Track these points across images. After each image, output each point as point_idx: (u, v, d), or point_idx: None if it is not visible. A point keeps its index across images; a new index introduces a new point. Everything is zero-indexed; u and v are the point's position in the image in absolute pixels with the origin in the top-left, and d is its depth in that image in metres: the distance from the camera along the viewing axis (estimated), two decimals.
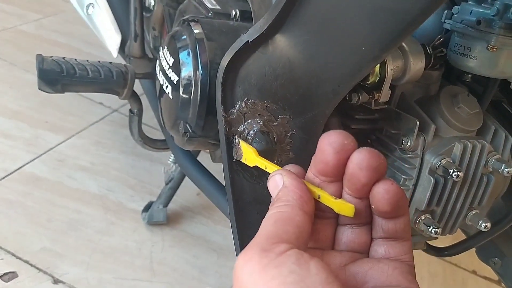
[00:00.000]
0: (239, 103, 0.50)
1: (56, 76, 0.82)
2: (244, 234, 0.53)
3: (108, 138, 1.55)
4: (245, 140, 0.50)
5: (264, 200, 0.52)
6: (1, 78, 1.74)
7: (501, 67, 0.55)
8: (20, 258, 1.09)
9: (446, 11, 0.59)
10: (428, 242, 0.72)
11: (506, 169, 0.58)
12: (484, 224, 0.61)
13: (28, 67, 1.81)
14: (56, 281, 1.06)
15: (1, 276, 1.04)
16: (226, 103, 0.50)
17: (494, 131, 0.62)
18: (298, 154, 0.51)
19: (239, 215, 0.52)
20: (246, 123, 0.50)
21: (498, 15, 0.52)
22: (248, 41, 0.47)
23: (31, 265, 1.08)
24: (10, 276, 1.05)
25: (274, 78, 0.48)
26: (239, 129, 0.50)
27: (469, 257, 1.42)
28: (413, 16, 0.38)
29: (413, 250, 1.31)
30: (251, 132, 0.49)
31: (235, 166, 0.51)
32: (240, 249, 0.53)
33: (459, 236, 0.75)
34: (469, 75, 0.63)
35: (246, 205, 0.52)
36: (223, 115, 0.50)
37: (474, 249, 0.78)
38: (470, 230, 0.73)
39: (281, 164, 0.52)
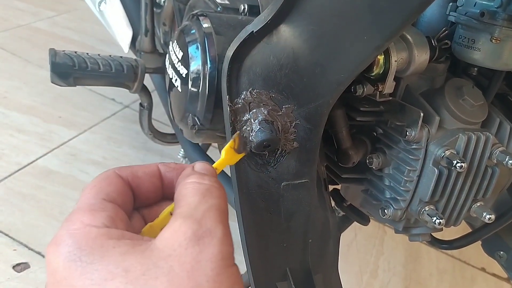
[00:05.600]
0: (244, 92, 0.51)
1: (68, 70, 0.84)
2: (249, 222, 0.54)
3: (120, 133, 1.57)
4: (250, 129, 0.51)
5: (268, 188, 0.53)
6: (15, 74, 1.77)
7: (505, 59, 0.55)
8: (32, 250, 1.11)
9: (451, 4, 0.59)
10: (433, 235, 0.73)
11: (511, 161, 0.58)
12: (488, 216, 0.61)
13: (42, 63, 1.84)
14: None
15: (14, 266, 1.07)
16: (231, 93, 0.51)
17: (499, 124, 0.62)
18: (302, 144, 0.52)
19: (244, 203, 0.53)
20: (251, 112, 0.51)
21: (502, 7, 0.53)
22: (253, 31, 0.48)
23: (43, 256, 1.10)
24: (22, 266, 1.07)
25: (279, 68, 0.49)
26: (244, 118, 0.51)
27: (479, 254, 1.41)
28: (412, 6, 0.39)
29: (421, 245, 1.30)
30: (256, 121, 0.50)
31: None
32: (245, 238, 0.54)
33: (466, 230, 0.75)
34: (475, 68, 0.64)
35: (251, 193, 0.53)
36: (228, 105, 0.51)
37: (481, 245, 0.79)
38: (476, 223, 0.73)
39: (285, 153, 0.53)
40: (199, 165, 0.42)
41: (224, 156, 0.47)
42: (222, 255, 0.35)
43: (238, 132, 0.50)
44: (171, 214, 0.40)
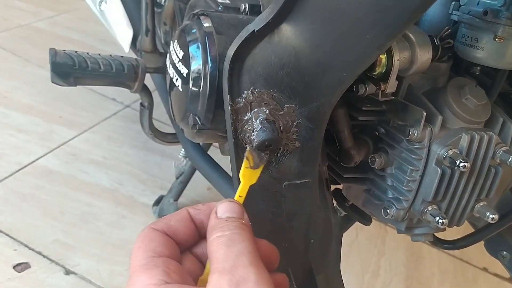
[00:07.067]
0: (245, 92, 0.50)
1: (69, 69, 0.83)
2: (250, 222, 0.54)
3: (120, 133, 1.57)
4: (252, 129, 0.50)
5: (270, 188, 0.53)
6: (16, 74, 1.77)
7: (508, 58, 0.55)
8: (32, 249, 1.11)
9: (453, 2, 0.59)
10: (436, 235, 0.72)
11: None
12: (491, 215, 0.60)
13: (42, 63, 1.84)
14: (68, 272, 1.08)
15: (14, 266, 1.06)
16: (232, 92, 0.50)
17: (502, 123, 0.61)
18: (304, 143, 0.52)
19: (245, 203, 0.53)
20: (252, 112, 0.50)
21: (505, 6, 0.52)
22: (254, 30, 0.47)
23: (43, 256, 1.10)
24: (23, 266, 1.07)
25: (280, 67, 0.49)
26: (246, 117, 0.50)
27: (480, 254, 1.41)
28: (415, 4, 0.38)
29: (422, 245, 1.30)
30: (257, 120, 0.50)
31: (241, 154, 0.51)
32: None
33: (468, 230, 0.75)
34: (478, 68, 0.63)
35: (252, 193, 0.52)
36: (229, 104, 0.50)
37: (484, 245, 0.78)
38: (479, 223, 0.72)
39: (287, 153, 0.52)
40: (221, 209, 0.45)
41: (243, 181, 0.49)
42: None
43: (248, 148, 0.50)
44: None
